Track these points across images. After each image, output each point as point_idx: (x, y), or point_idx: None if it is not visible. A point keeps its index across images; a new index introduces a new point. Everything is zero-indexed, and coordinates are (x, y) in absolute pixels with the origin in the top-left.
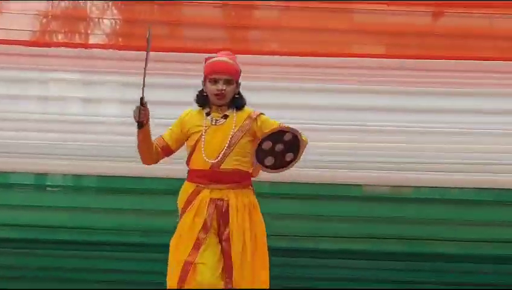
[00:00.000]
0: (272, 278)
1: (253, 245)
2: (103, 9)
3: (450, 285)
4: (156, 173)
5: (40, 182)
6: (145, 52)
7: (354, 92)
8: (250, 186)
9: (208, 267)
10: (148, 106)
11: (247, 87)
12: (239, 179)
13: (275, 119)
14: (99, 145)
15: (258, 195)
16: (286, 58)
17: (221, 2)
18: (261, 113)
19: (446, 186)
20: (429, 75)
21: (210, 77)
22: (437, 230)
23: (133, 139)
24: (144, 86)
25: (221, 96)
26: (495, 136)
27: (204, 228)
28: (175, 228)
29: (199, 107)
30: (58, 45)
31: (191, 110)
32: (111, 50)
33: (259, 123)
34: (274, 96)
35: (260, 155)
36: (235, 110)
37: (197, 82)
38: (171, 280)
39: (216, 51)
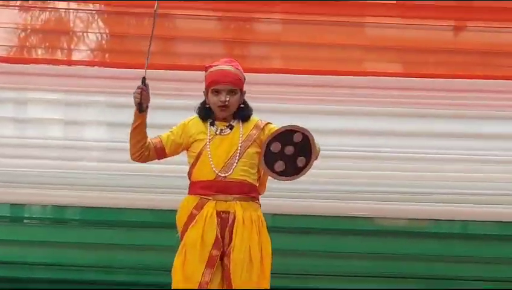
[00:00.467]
0: None
1: (259, 267)
2: (88, 22)
3: None
4: (143, 203)
5: (16, 214)
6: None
7: (367, 115)
8: (258, 201)
9: None
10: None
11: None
12: (246, 191)
13: None
14: (82, 173)
15: None
16: (289, 76)
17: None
18: (269, 122)
19: (467, 219)
20: (450, 96)
21: (212, 87)
22: (458, 268)
23: (122, 167)
24: (146, 66)
25: (224, 108)
26: None
27: (216, 244)
28: (165, 265)
29: (200, 117)
30: (38, 61)
31: (195, 117)
32: (97, 67)
33: (266, 132)
34: (275, 119)
35: (269, 159)
36: (240, 121)
37: (191, 103)
38: None
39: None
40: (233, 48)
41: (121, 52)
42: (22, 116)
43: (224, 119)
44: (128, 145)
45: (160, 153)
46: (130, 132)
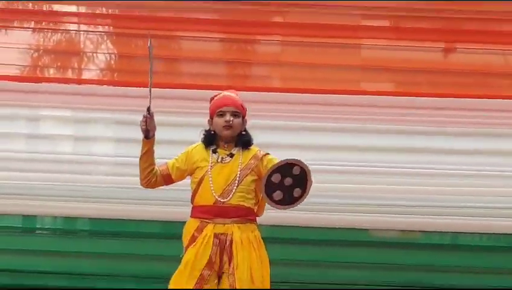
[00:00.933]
0: None
1: (259, 276)
2: (98, 43)
3: None
4: (150, 215)
5: (28, 225)
6: (148, 77)
7: (360, 132)
8: (255, 222)
9: None
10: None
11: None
12: (243, 214)
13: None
14: (91, 186)
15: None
16: (287, 95)
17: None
18: (267, 153)
19: (457, 231)
20: (441, 114)
21: (218, 110)
22: (449, 278)
23: (128, 180)
24: (150, 95)
25: (229, 127)
26: (509, 179)
27: (209, 264)
28: (171, 274)
29: (204, 145)
30: (50, 80)
31: (199, 144)
32: (105, 86)
33: (265, 163)
34: (275, 136)
35: (269, 189)
36: (241, 149)
37: (196, 120)
38: None
39: (216, 87)
40: (235, 67)
41: (129, 72)
42: (34, 132)
43: (225, 148)
44: (133, 159)
45: (167, 179)
46: (139, 159)
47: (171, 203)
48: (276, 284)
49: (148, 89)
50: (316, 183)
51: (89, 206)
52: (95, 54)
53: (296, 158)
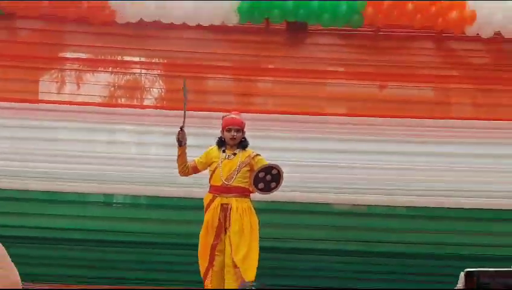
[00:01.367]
0: None
1: (250, 234)
2: (153, 81)
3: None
4: (185, 193)
5: (107, 200)
6: (183, 106)
7: (326, 140)
8: (249, 197)
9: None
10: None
11: (252, 136)
12: (240, 191)
13: (267, 158)
14: (148, 175)
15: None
16: (276, 116)
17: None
18: (257, 154)
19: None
20: (377, 128)
21: (226, 127)
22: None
23: (174, 171)
24: (184, 118)
25: (233, 140)
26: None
27: (219, 224)
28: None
29: (217, 146)
30: (122, 106)
31: (214, 147)
32: (158, 110)
33: (255, 160)
34: (266, 142)
35: (256, 181)
36: (240, 150)
37: (215, 132)
38: (203, 259)
39: (227, 110)
40: (240, 96)
41: (172, 100)
42: (111, 139)
43: (231, 148)
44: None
45: (195, 169)
46: (176, 159)
47: (196, 186)
48: (261, 239)
49: (183, 112)
50: (290, 174)
51: (147, 188)
52: (150, 89)
53: (275, 163)
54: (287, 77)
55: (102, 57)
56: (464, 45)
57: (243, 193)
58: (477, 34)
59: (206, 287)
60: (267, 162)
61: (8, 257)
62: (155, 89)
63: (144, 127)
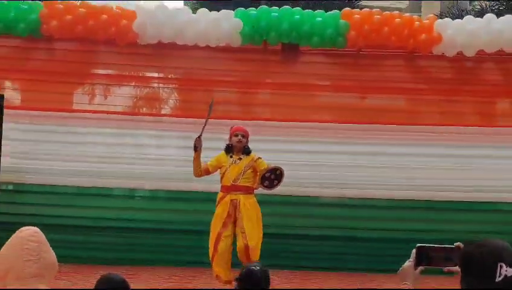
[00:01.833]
0: None
1: (255, 223)
2: (170, 93)
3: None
4: (197, 188)
5: (131, 194)
6: (205, 117)
7: (314, 143)
8: (253, 193)
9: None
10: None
11: (251, 140)
12: (246, 190)
13: (265, 159)
14: (167, 172)
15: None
16: (276, 123)
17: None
18: (259, 157)
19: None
20: (356, 132)
21: (234, 133)
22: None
23: (189, 170)
24: (203, 128)
25: (239, 143)
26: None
27: (228, 216)
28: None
29: (225, 152)
30: (143, 114)
31: (223, 153)
32: (173, 118)
33: (257, 163)
34: (266, 145)
35: (262, 179)
36: (245, 155)
37: (224, 136)
38: (212, 246)
39: (231, 118)
40: (247, 109)
41: (187, 110)
42: (135, 142)
43: (237, 153)
44: (191, 158)
45: (207, 171)
46: (192, 161)
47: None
48: (265, 227)
49: (204, 123)
50: (295, 171)
51: (165, 183)
52: (167, 100)
53: (278, 165)
54: (282, 89)
55: (126, 73)
56: (431, 62)
57: (248, 190)
58: (443, 53)
59: (215, 273)
60: (267, 164)
61: (47, 242)
62: (171, 100)
63: (161, 132)
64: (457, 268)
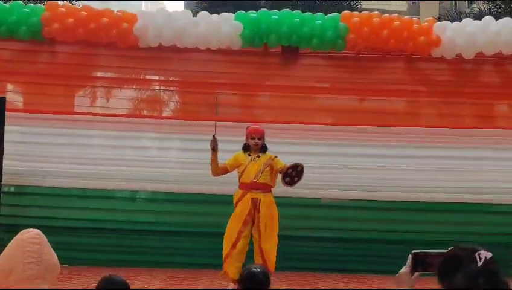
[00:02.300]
0: None
1: (273, 225)
2: (171, 96)
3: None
4: (201, 190)
5: (133, 196)
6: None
7: (313, 145)
8: (271, 192)
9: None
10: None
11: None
12: (265, 188)
13: (279, 157)
14: (169, 173)
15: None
16: (276, 125)
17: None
18: (275, 157)
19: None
20: (356, 134)
21: (250, 136)
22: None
23: (191, 172)
24: (215, 128)
25: (256, 145)
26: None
27: (249, 214)
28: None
29: (243, 151)
30: (144, 116)
31: (241, 151)
32: (174, 120)
33: (274, 161)
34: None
35: (284, 176)
36: (262, 154)
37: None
38: (227, 243)
39: (232, 120)
40: (247, 111)
41: (187, 112)
42: (136, 144)
43: (255, 152)
44: (192, 160)
45: (225, 170)
46: (210, 162)
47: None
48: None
49: (214, 123)
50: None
51: (168, 185)
52: (168, 102)
53: (299, 162)
54: (282, 92)
55: (128, 76)
56: (430, 64)
57: (267, 188)
58: (442, 55)
59: (224, 269)
60: (283, 162)
61: (49, 244)
62: (172, 103)
63: (163, 134)
64: None
